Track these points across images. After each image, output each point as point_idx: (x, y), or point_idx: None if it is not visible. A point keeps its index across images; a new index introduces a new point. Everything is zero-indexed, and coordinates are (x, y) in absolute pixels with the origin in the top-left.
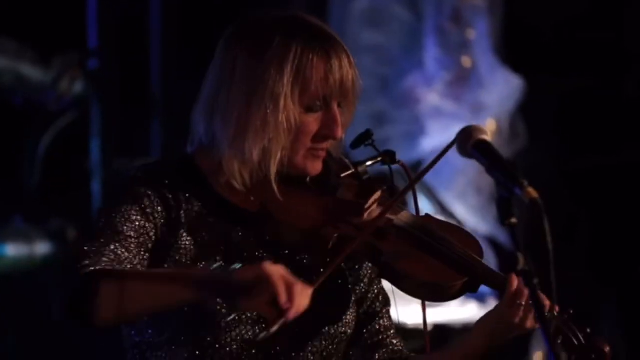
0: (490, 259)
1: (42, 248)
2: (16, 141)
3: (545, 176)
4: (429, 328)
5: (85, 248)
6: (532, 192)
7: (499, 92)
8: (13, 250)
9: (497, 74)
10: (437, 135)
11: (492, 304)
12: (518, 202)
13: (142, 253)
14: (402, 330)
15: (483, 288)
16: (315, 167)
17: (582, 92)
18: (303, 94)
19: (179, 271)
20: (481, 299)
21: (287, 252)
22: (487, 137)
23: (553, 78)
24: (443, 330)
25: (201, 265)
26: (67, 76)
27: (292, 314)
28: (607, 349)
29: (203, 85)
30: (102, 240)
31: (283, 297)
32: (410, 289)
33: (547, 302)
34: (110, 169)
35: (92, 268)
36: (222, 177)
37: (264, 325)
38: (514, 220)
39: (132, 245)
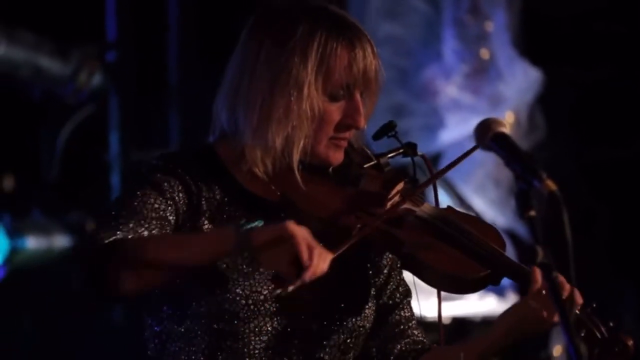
0: (509, 252)
1: (61, 241)
2: (34, 134)
3: (564, 168)
4: (448, 321)
5: (102, 224)
6: (551, 185)
7: (518, 84)
8: (32, 243)
9: (516, 66)
10: (456, 128)
11: (511, 297)
12: (537, 194)
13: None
14: (422, 324)
15: (503, 281)
16: (337, 157)
17: (601, 84)
18: (326, 82)
19: (199, 232)
20: (500, 293)
21: None
22: (506, 130)
23: (571, 70)
24: (462, 324)
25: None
26: (85, 69)
27: (310, 275)
28: (631, 343)
29: (225, 73)
30: (120, 220)
31: (304, 256)
32: (432, 280)
33: (567, 286)
34: (129, 162)
35: (108, 239)
36: (244, 166)
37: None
38: (532, 212)
39: (153, 226)
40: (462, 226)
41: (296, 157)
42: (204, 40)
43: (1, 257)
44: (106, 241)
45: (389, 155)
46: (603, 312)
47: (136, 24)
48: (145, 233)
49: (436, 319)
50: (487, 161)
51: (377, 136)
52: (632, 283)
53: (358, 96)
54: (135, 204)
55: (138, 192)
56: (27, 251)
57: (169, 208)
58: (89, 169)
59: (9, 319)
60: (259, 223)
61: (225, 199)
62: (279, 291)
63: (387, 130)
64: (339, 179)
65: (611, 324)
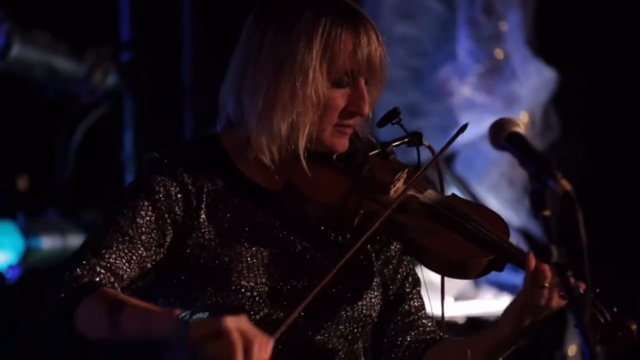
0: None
1: (75, 241)
2: (49, 134)
3: (579, 168)
4: (462, 321)
5: (86, 251)
6: (566, 185)
7: (532, 84)
8: (47, 243)
9: (530, 65)
10: (470, 128)
11: None
12: (551, 194)
13: (153, 249)
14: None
15: (515, 280)
16: (342, 144)
17: (615, 84)
18: (331, 67)
19: (144, 313)
20: (514, 292)
21: (311, 231)
22: (520, 130)
23: (586, 69)
24: (477, 323)
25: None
26: (99, 69)
27: None
28: (634, 327)
29: (231, 62)
30: (106, 241)
31: (239, 356)
32: (435, 265)
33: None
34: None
35: (78, 282)
36: (250, 154)
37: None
38: (547, 212)
39: (139, 245)
40: (466, 212)
41: (302, 143)
42: (218, 40)
43: (16, 257)
44: (75, 284)
45: (394, 144)
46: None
47: (150, 24)
48: (129, 255)
49: (449, 319)
50: (501, 161)
51: (381, 123)
52: None
53: (362, 83)
54: (125, 220)
55: (130, 205)
56: (41, 251)
57: (163, 215)
58: (103, 169)
59: (24, 319)
60: (202, 315)
61: (228, 190)
62: None
63: (392, 117)
64: (343, 166)
65: (615, 309)
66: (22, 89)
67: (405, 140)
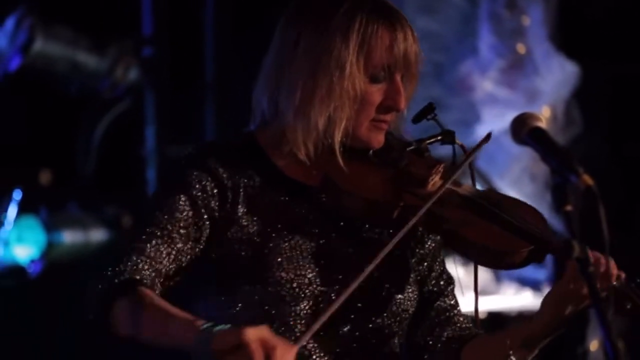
0: None
1: (97, 235)
2: (71, 129)
3: (601, 163)
4: (484, 316)
5: (128, 247)
6: (588, 180)
7: (554, 78)
8: (69, 237)
9: (552, 60)
10: (492, 123)
11: (546, 291)
12: (573, 189)
13: (190, 244)
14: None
15: (537, 275)
16: (379, 139)
17: (638, 78)
18: (367, 62)
19: (167, 320)
20: (536, 287)
21: (348, 226)
22: (542, 124)
23: (608, 64)
24: (498, 318)
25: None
26: (121, 64)
27: None
28: None
29: (264, 63)
30: (145, 237)
31: None
32: (475, 256)
33: (614, 272)
34: (165, 156)
35: (119, 278)
36: (285, 148)
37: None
38: (569, 207)
39: (177, 239)
40: (504, 204)
41: (338, 138)
42: (240, 35)
43: (38, 251)
44: (120, 279)
45: (428, 142)
46: None
47: (172, 18)
48: (168, 250)
49: (471, 315)
50: (523, 156)
51: (416, 119)
52: None
53: (398, 78)
54: (164, 215)
55: (168, 200)
56: (63, 245)
57: (199, 212)
58: (125, 164)
59: (46, 313)
60: (224, 326)
61: (265, 186)
62: None
63: (427, 112)
64: (380, 161)
65: None
66: (44, 83)
67: (439, 138)
